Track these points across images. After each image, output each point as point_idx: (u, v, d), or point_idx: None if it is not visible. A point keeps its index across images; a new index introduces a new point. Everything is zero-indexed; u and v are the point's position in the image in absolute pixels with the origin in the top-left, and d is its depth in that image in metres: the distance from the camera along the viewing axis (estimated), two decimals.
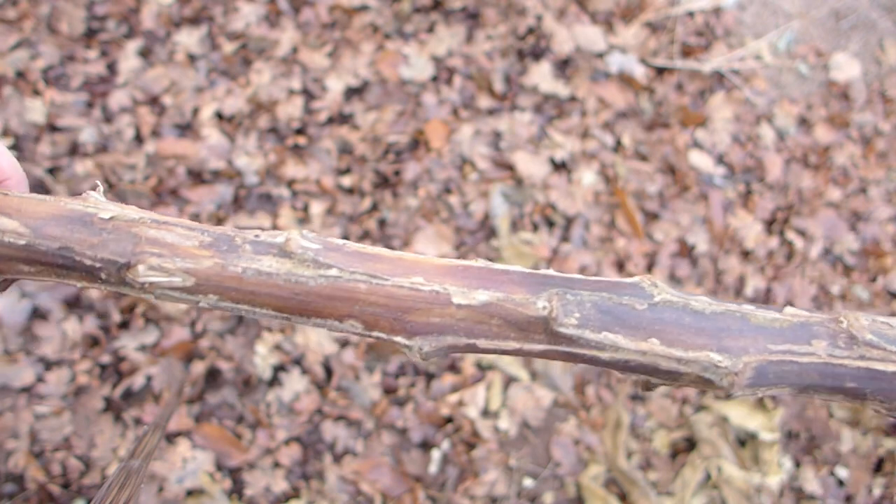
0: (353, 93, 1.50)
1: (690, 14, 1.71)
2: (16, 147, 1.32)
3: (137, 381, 1.20)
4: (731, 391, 0.32)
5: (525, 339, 0.33)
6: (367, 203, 1.40)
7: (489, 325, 0.33)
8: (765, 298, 1.49)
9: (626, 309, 0.32)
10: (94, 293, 1.24)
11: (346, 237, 1.36)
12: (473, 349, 0.33)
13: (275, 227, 1.35)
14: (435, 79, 1.53)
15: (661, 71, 1.65)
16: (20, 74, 1.37)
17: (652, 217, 1.51)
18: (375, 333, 0.33)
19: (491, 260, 1.44)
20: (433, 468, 1.25)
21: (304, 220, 1.37)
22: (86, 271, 0.34)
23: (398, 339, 0.33)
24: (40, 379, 1.18)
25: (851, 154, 1.66)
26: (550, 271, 0.34)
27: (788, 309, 0.33)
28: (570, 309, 0.32)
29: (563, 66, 1.60)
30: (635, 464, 1.31)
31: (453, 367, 1.32)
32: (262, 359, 1.25)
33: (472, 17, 1.60)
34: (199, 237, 0.34)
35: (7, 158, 0.37)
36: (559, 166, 1.51)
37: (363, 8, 1.55)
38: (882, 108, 1.73)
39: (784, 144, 1.64)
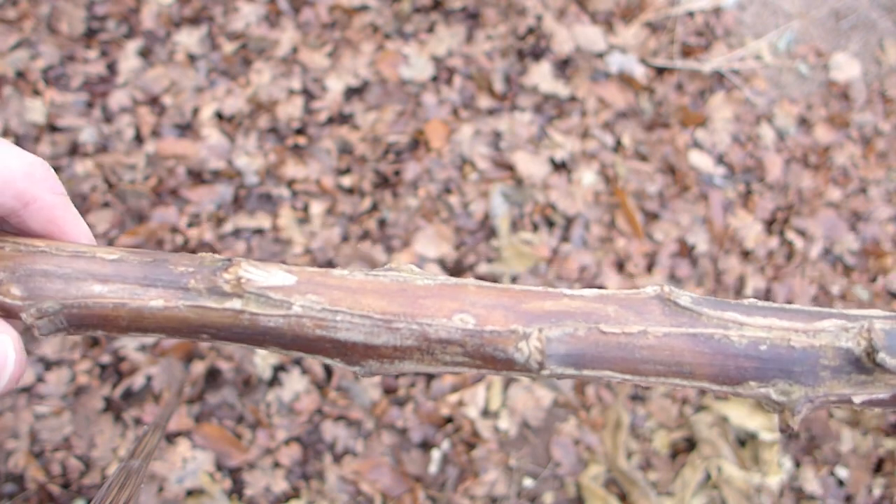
0: (353, 93, 1.50)
1: (690, 14, 1.71)
2: None
3: (137, 381, 1.20)
4: (878, 356, 0.29)
5: (646, 321, 0.31)
6: (367, 203, 1.40)
7: (606, 311, 0.32)
8: (765, 298, 1.49)
9: (730, 302, 0.32)
10: None
11: (346, 237, 1.36)
12: (598, 334, 0.31)
13: (275, 227, 1.35)
14: (435, 79, 1.53)
15: (661, 71, 1.65)
16: (20, 74, 1.37)
17: (652, 217, 1.51)
18: (489, 328, 0.31)
19: (490, 260, 1.44)
20: (433, 468, 1.25)
21: (304, 220, 1.37)
22: (170, 283, 0.33)
23: (515, 327, 0.31)
24: (40, 379, 1.18)
25: (851, 154, 1.66)
26: None
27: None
28: (678, 293, 0.32)
29: (563, 66, 1.60)
30: (635, 464, 1.31)
31: None
32: (262, 359, 1.25)
33: (472, 17, 1.60)
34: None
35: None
36: (559, 166, 1.51)
37: (363, 8, 1.55)
38: (882, 108, 1.73)
39: (784, 144, 1.64)
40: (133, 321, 0.33)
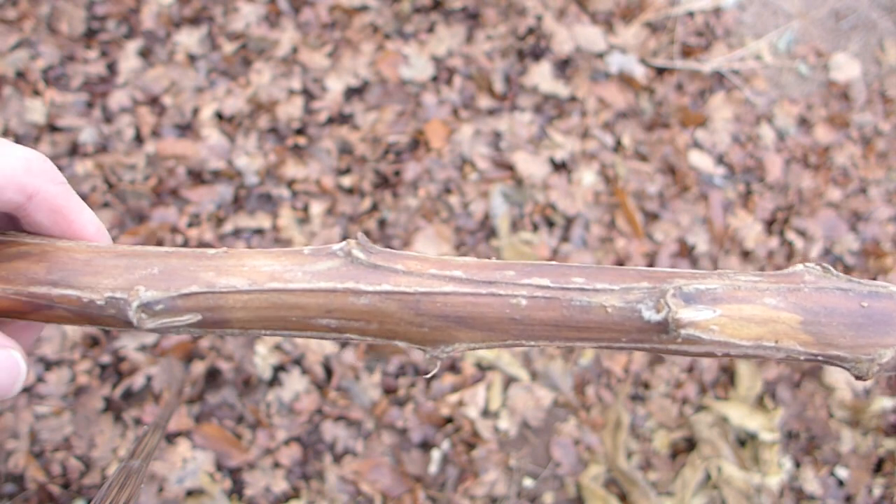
0: (353, 93, 1.50)
1: (690, 14, 1.71)
2: None
3: (137, 381, 1.20)
4: None
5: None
6: (367, 203, 1.40)
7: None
8: None
9: None
10: None
11: (345, 237, 1.36)
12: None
13: (275, 228, 1.35)
14: (435, 79, 1.53)
15: (661, 71, 1.65)
16: (20, 74, 1.37)
17: (652, 217, 1.51)
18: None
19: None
20: (433, 468, 1.25)
21: (304, 220, 1.37)
22: None
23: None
24: (40, 379, 1.18)
25: (851, 154, 1.66)
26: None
27: None
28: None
29: (563, 66, 1.60)
30: (635, 464, 1.31)
31: (453, 368, 1.32)
32: (262, 359, 1.25)
33: (472, 17, 1.60)
34: None
35: (95, 225, 0.36)
36: (559, 166, 1.51)
37: (363, 8, 1.55)
38: (882, 108, 1.73)
39: (784, 144, 1.64)
40: None
